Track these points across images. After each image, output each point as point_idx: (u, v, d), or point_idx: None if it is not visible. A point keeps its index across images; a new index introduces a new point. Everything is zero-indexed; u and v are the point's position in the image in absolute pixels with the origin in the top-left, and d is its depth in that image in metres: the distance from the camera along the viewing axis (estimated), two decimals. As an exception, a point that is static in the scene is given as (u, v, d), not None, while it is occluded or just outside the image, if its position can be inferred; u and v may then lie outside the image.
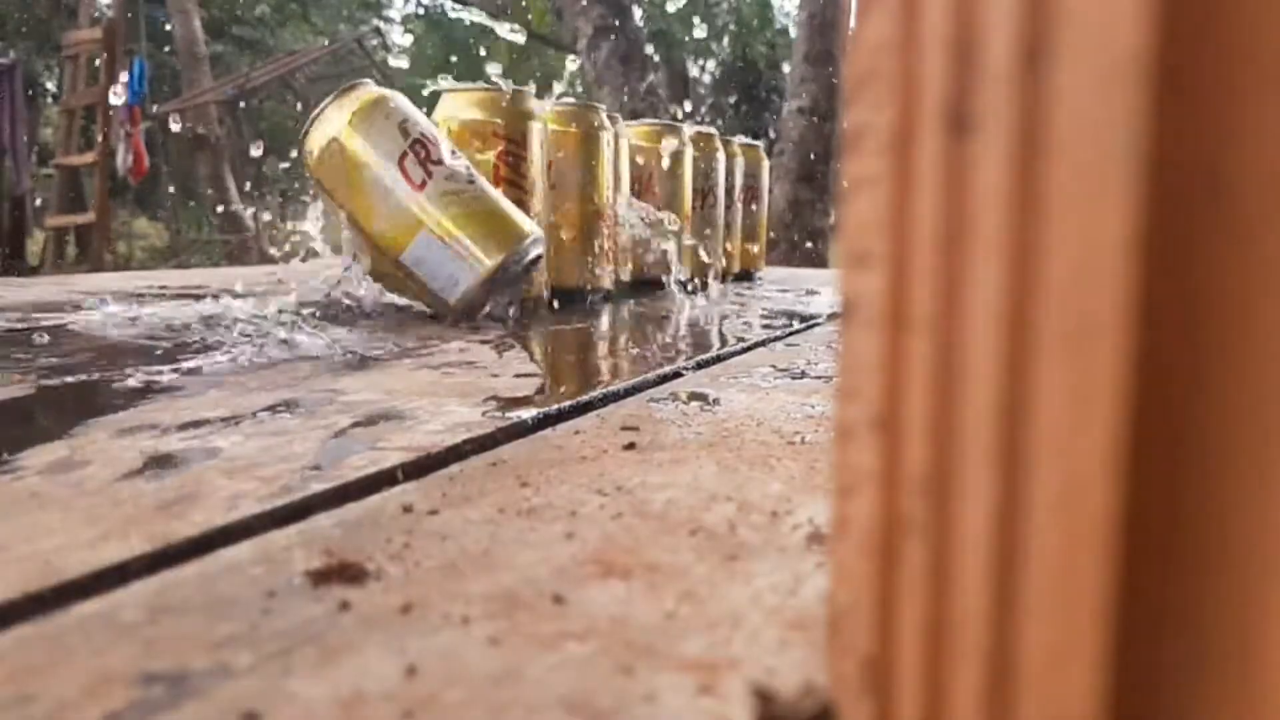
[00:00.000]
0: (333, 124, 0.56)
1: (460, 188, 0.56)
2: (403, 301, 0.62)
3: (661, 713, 0.13)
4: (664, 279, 0.82)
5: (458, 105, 0.64)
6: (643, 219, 0.77)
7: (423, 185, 0.55)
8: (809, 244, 2.76)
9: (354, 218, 0.57)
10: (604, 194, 0.73)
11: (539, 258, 0.60)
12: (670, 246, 0.78)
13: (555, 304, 0.67)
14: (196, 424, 0.29)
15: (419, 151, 0.56)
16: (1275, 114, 0.07)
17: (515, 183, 0.64)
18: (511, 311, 0.59)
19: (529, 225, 0.58)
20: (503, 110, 0.64)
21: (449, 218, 0.55)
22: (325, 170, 0.57)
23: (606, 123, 0.73)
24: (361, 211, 0.56)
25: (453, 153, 0.57)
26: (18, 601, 0.16)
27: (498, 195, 0.58)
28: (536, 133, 0.66)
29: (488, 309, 0.58)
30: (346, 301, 0.59)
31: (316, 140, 0.57)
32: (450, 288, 0.55)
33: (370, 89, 0.58)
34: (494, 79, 0.64)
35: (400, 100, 0.58)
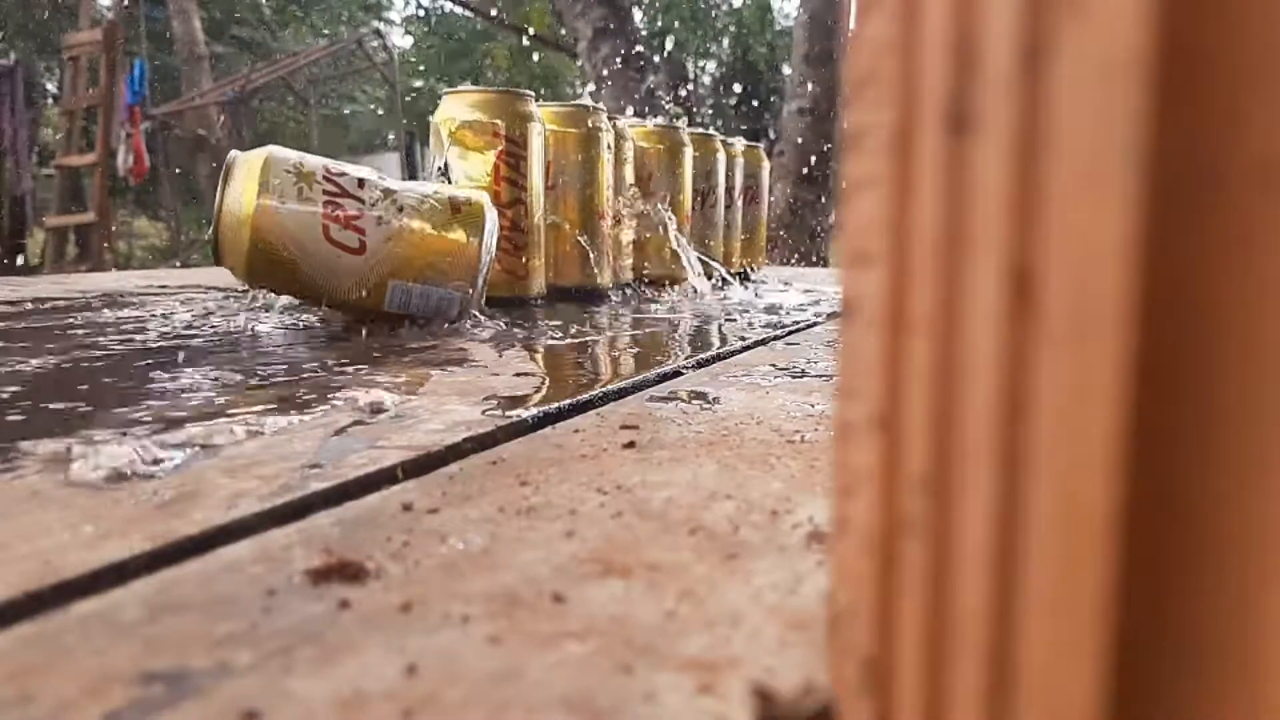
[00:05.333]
0: (240, 205, 0.50)
1: (396, 226, 0.51)
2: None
3: (661, 712, 0.13)
4: (665, 278, 0.82)
5: (459, 107, 0.65)
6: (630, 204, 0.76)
7: (362, 248, 0.51)
8: (809, 244, 2.76)
9: (313, 293, 0.52)
10: (604, 194, 0.73)
11: (495, 225, 0.56)
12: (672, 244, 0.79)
13: (556, 303, 0.67)
14: (196, 421, 0.29)
15: (336, 212, 0.51)
16: (1275, 111, 0.07)
17: (515, 182, 0.65)
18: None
19: (475, 203, 0.54)
20: (503, 111, 0.64)
21: (406, 263, 0.51)
22: (258, 264, 0.51)
23: (606, 124, 0.73)
24: (320, 290, 0.52)
25: (360, 183, 0.52)
26: (18, 601, 0.16)
27: (430, 198, 0.53)
28: (536, 134, 0.66)
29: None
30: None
31: (232, 232, 0.50)
32: (447, 308, 0.54)
33: (250, 155, 0.51)
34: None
35: (281, 154, 0.52)
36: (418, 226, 0.52)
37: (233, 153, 0.52)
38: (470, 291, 0.54)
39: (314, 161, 0.52)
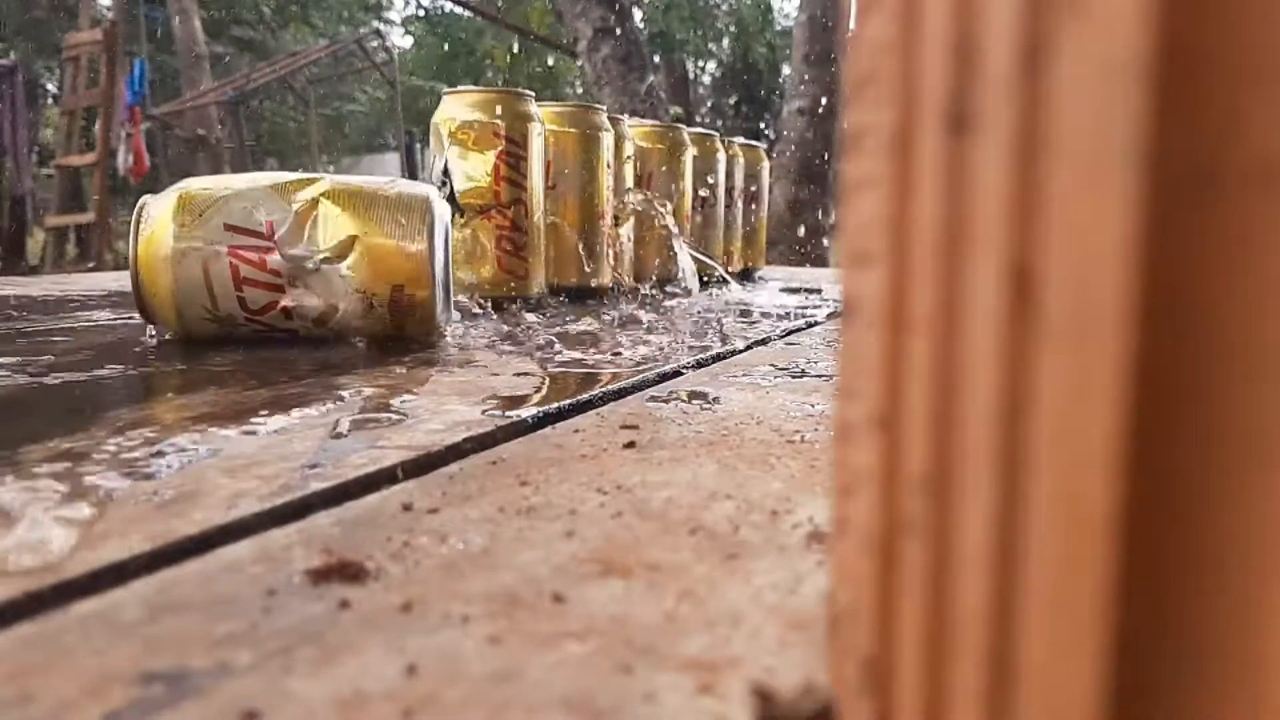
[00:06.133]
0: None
1: (344, 324, 0.46)
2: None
3: (661, 712, 0.13)
4: (664, 278, 0.82)
5: (459, 107, 0.65)
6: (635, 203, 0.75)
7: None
8: (808, 244, 2.77)
9: None
10: (603, 194, 0.73)
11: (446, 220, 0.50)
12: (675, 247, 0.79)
13: (556, 301, 0.67)
14: (196, 421, 0.29)
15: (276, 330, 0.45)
16: (1275, 111, 0.07)
17: (515, 182, 0.65)
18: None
19: (420, 215, 0.46)
20: (503, 111, 0.64)
21: (368, 330, 0.47)
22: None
23: (606, 124, 0.73)
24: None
25: (286, 314, 0.45)
26: (18, 601, 0.16)
27: (373, 311, 0.46)
28: (536, 134, 0.66)
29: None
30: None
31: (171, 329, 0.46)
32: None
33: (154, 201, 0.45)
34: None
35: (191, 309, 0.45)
36: (366, 325, 0.47)
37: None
38: (434, 309, 0.49)
39: (229, 309, 0.45)
